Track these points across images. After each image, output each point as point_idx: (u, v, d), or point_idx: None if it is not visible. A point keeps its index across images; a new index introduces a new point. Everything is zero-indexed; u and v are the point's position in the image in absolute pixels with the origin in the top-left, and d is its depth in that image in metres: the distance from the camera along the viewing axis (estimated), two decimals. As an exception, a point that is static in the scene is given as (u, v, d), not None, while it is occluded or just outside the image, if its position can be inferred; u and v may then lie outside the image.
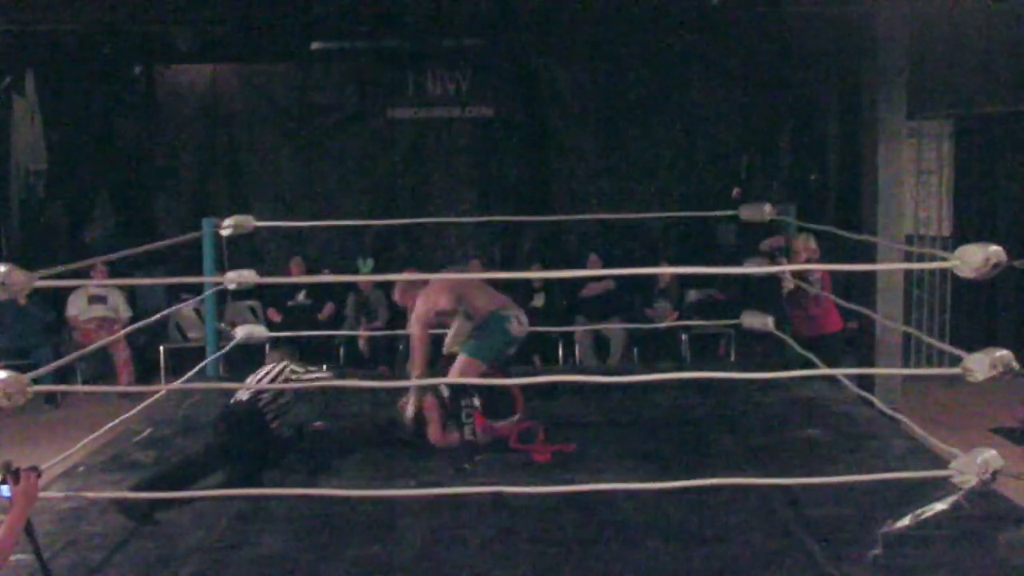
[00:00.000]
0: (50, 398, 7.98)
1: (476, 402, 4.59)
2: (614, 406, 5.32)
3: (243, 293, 8.48)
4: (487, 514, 3.74)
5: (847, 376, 5.28)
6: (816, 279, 6.19)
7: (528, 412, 4.74)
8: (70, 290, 8.51)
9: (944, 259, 3.72)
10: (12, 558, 3.25)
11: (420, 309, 4.81)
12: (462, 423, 4.51)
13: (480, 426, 4.59)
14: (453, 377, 4.64)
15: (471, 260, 9.28)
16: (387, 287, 8.72)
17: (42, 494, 3.50)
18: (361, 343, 8.52)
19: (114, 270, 8.25)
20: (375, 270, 9.35)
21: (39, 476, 2.88)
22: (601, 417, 5.17)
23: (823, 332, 6.31)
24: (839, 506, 3.71)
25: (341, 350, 8.45)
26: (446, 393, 4.64)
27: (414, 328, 4.84)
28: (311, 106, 9.85)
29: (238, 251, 7.41)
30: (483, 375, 4.61)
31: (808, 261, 6.20)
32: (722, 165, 9.94)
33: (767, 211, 6.31)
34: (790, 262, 6.24)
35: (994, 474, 3.49)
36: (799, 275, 6.15)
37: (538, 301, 8.62)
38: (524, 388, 4.70)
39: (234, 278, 5.62)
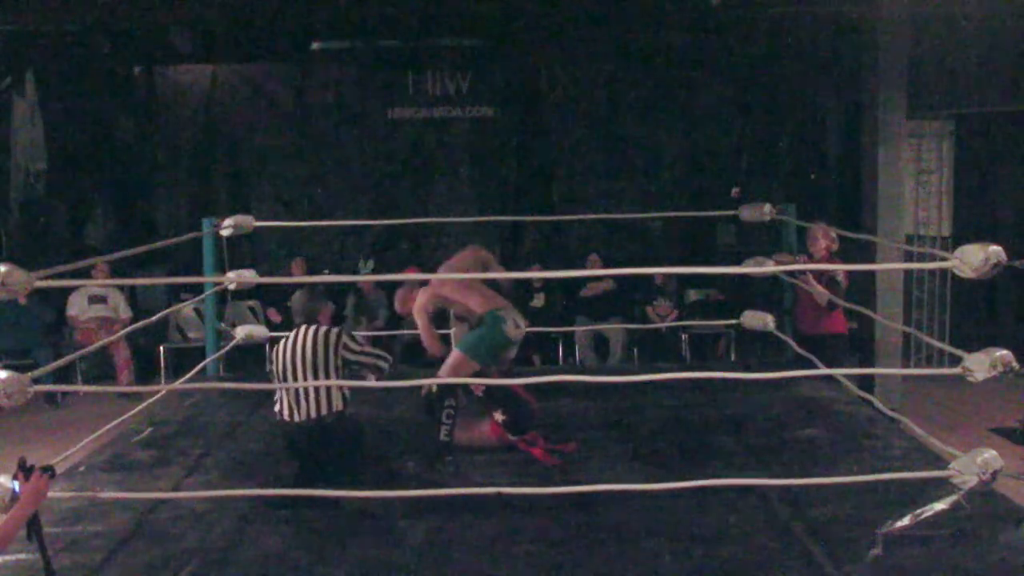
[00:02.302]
0: (50, 398, 7.98)
1: (500, 417, 4.56)
2: (614, 406, 5.32)
3: (243, 293, 8.48)
4: (487, 514, 3.73)
5: (847, 376, 5.27)
6: (842, 277, 6.12)
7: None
8: (70, 290, 8.50)
9: (944, 259, 3.72)
10: (13, 557, 3.26)
11: (420, 301, 4.80)
12: (441, 422, 4.50)
13: (497, 437, 4.58)
14: (445, 372, 4.64)
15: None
16: (387, 287, 8.74)
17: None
18: (361, 343, 8.52)
19: (114, 270, 8.26)
20: (375, 270, 9.35)
21: (52, 476, 2.90)
22: (601, 417, 5.17)
23: (827, 332, 6.27)
24: (839, 506, 3.71)
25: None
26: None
27: (418, 319, 4.81)
28: (311, 106, 9.86)
29: (238, 251, 7.42)
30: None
31: (828, 250, 6.15)
32: (722, 165, 9.94)
33: (767, 211, 6.29)
34: (808, 250, 6.19)
35: (994, 474, 3.49)
36: (829, 282, 6.05)
37: (538, 301, 8.62)
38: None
39: (234, 278, 5.62)
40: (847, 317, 6.43)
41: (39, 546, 2.94)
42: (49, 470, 2.88)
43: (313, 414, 4.10)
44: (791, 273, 6.12)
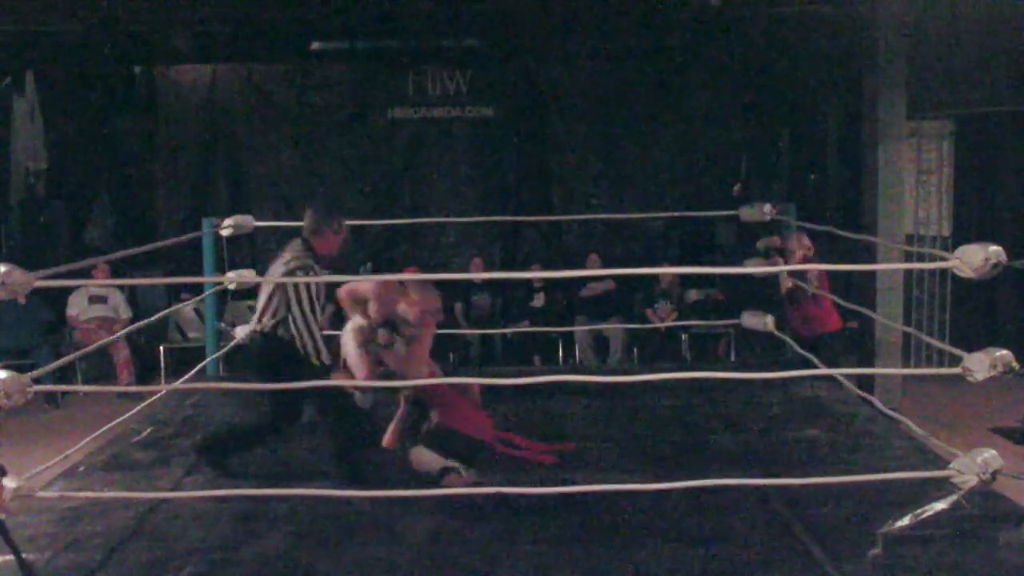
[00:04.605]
0: (50, 398, 7.98)
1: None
2: (614, 406, 5.32)
3: (243, 293, 8.47)
4: (487, 514, 3.73)
5: (847, 376, 5.27)
6: (813, 277, 6.19)
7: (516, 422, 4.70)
8: (70, 290, 8.51)
9: (944, 259, 3.72)
10: (5, 558, 3.26)
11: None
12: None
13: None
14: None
15: (472, 259, 9.26)
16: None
17: (42, 494, 3.52)
18: (361, 343, 8.52)
19: (114, 270, 8.25)
20: (372, 271, 9.35)
21: (3, 475, 2.90)
22: (601, 417, 5.17)
23: (821, 331, 6.31)
24: (839, 506, 3.71)
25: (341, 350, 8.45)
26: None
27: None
28: (311, 106, 9.86)
29: (238, 251, 7.42)
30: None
31: (805, 258, 6.21)
32: (722, 165, 9.94)
33: (767, 211, 6.31)
34: (787, 262, 6.25)
35: (994, 474, 3.48)
36: (796, 274, 6.16)
37: (538, 301, 8.63)
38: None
39: (234, 278, 5.63)
40: (843, 316, 6.45)
41: (10, 546, 2.95)
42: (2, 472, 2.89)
43: (251, 329, 4.31)
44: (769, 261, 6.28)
